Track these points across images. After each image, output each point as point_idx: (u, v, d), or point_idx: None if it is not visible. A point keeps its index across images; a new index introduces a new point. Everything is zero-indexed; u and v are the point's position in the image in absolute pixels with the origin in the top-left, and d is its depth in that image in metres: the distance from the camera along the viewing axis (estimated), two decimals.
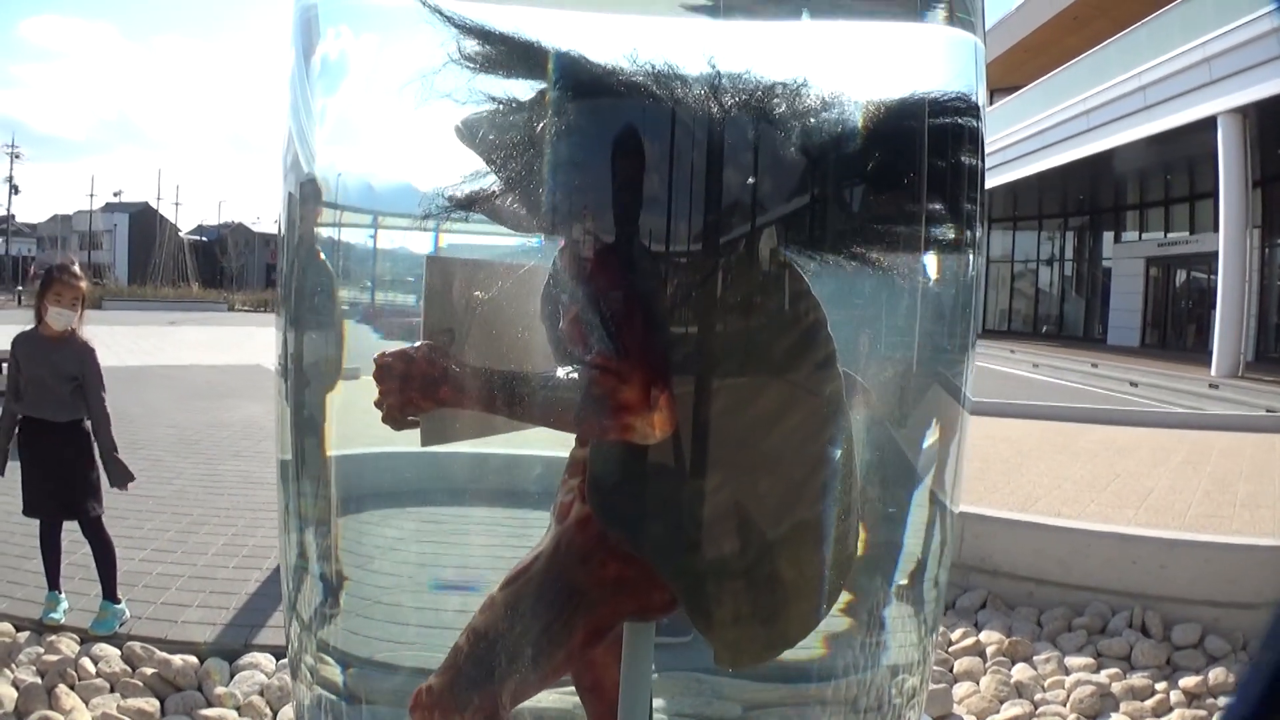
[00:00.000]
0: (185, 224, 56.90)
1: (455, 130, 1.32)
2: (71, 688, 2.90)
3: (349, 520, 1.56)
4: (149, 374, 11.92)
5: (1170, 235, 21.52)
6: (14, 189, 54.20)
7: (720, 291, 1.30)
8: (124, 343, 16.86)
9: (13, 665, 3.03)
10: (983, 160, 1.55)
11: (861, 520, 1.47)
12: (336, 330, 1.54)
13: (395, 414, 1.30)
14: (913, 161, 1.38)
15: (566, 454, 1.44)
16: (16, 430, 3.31)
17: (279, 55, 1.59)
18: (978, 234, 1.57)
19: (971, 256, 1.60)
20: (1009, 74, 24.52)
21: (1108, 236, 24.89)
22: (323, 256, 1.53)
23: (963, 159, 1.47)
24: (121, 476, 3.34)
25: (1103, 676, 3.33)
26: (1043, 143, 19.34)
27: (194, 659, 3.10)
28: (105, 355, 11.66)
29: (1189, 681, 3.30)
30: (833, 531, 1.40)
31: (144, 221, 57.66)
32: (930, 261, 1.50)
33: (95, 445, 3.35)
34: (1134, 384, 13.92)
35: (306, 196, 1.51)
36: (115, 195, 61.57)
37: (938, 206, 1.44)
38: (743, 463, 1.33)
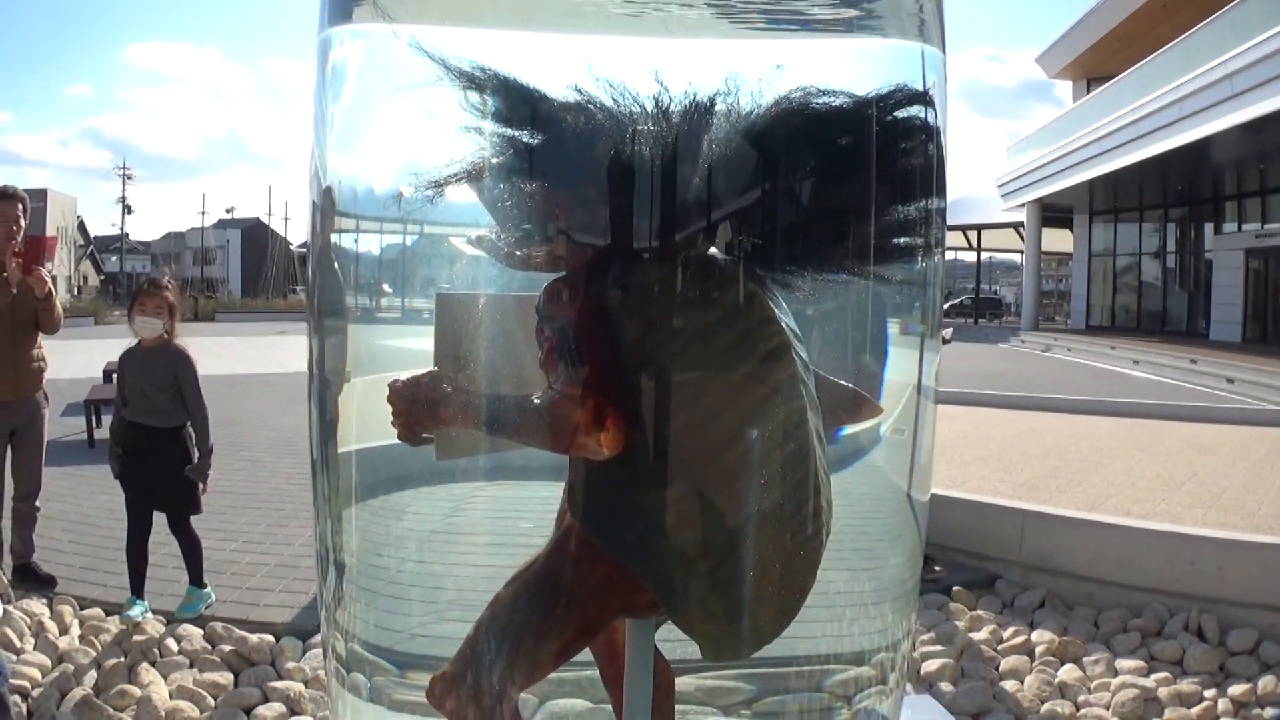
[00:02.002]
0: (296, 237, 59.65)
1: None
2: (153, 664, 3.18)
3: (355, 512, 1.73)
4: (255, 381, 12.59)
5: (1268, 226, 20.28)
6: (127, 209, 56.84)
7: (679, 316, 1.42)
8: (234, 352, 17.85)
9: (99, 646, 3.35)
10: (939, 161, 1.60)
11: (830, 512, 1.56)
12: (345, 334, 1.72)
13: (406, 432, 1.51)
14: (856, 165, 1.46)
15: None
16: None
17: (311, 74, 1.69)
18: (934, 233, 1.64)
19: (926, 254, 1.66)
20: (1104, 63, 23.46)
21: (1208, 228, 23.54)
22: (335, 263, 1.69)
23: (911, 160, 1.55)
24: (202, 472, 3.58)
25: (1150, 681, 3.27)
26: (1138, 132, 18.52)
27: (270, 637, 3.37)
28: (216, 365, 12.36)
29: (1238, 689, 3.21)
30: (800, 528, 1.50)
31: (256, 236, 60.59)
32: (885, 258, 1.57)
33: (194, 449, 3.62)
34: (1230, 380, 13.22)
35: (323, 204, 1.65)
36: (227, 212, 64.80)
37: (889, 206, 1.53)
38: (703, 471, 1.45)
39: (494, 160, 1.42)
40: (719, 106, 1.39)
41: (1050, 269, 40.56)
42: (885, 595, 1.78)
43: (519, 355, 1.56)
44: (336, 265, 1.69)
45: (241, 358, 16.79)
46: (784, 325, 1.48)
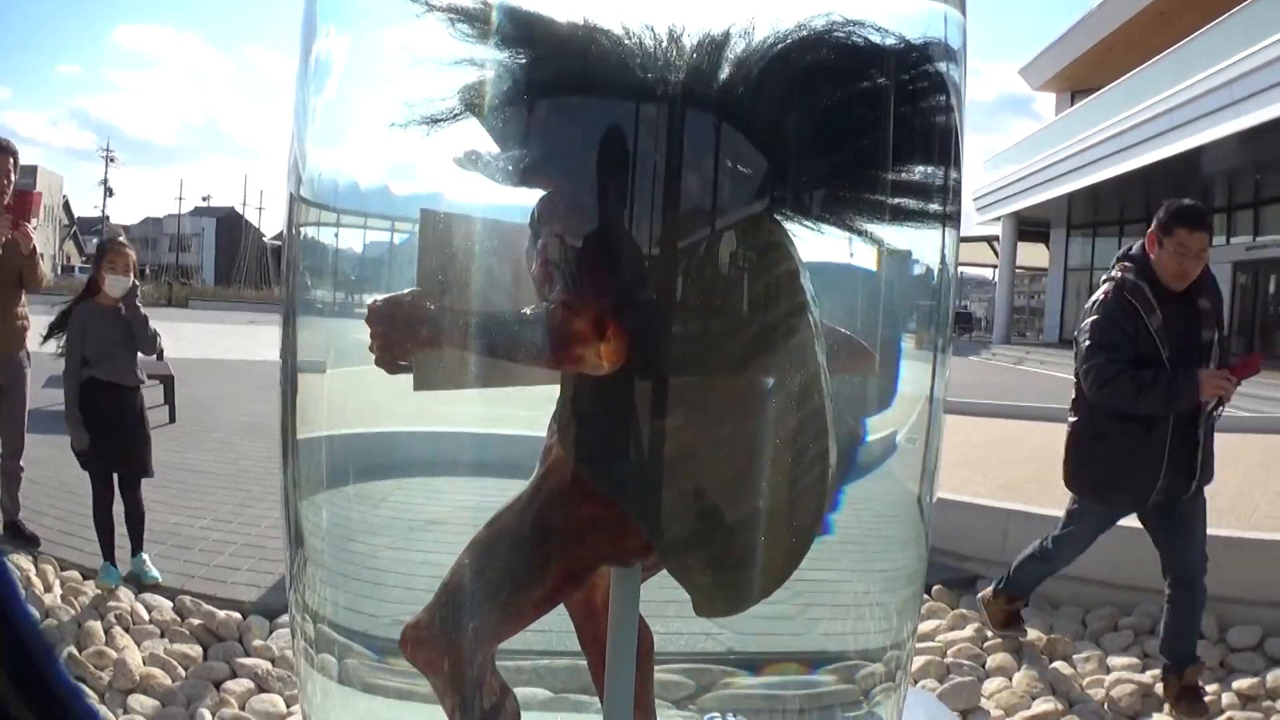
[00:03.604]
0: (270, 229, 59.22)
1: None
2: (127, 630, 3.18)
3: (328, 498, 1.66)
4: (226, 367, 12.47)
5: (1260, 238, 20.11)
6: (109, 191, 56.73)
7: (687, 237, 1.33)
8: (206, 339, 17.64)
9: (78, 606, 3.34)
10: (957, 133, 1.52)
11: (835, 456, 1.46)
12: (317, 324, 1.64)
13: (384, 354, 1.37)
14: (873, 117, 1.38)
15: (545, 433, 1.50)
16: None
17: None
18: (946, 242, 1.58)
19: (938, 249, 1.60)
20: (1090, 75, 23.25)
21: None
22: (313, 255, 1.62)
23: (929, 122, 1.47)
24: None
25: (1147, 676, 3.20)
26: (1123, 144, 18.48)
27: (237, 615, 3.33)
28: (188, 349, 12.26)
29: (1244, 683, 3.14)
30: (806, 470, 1.41)
31: (230, 226, 60.14)
32: (896, 243, 1.51)
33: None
34: None
35: (300, 195, 1.58)
36: (204, 200, 64.53)
37: (902, 177, 1.45)
38: (705, 406, 1.36)
39: (499, 82, 1.32)
40: (733, 35, 1.31)
41: (1022, 285, 40.86)
42: (894, 595, 1.72)
43: (505, 282, 1.46)
44: (314, 258, 1.61)
45: (214, 344, 16.64)
46: (791, 253, 1.39)
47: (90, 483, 3.59)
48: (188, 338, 16.59)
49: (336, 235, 1.64)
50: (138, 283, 3.61)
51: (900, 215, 1.50)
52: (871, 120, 1.42)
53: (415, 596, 1.69)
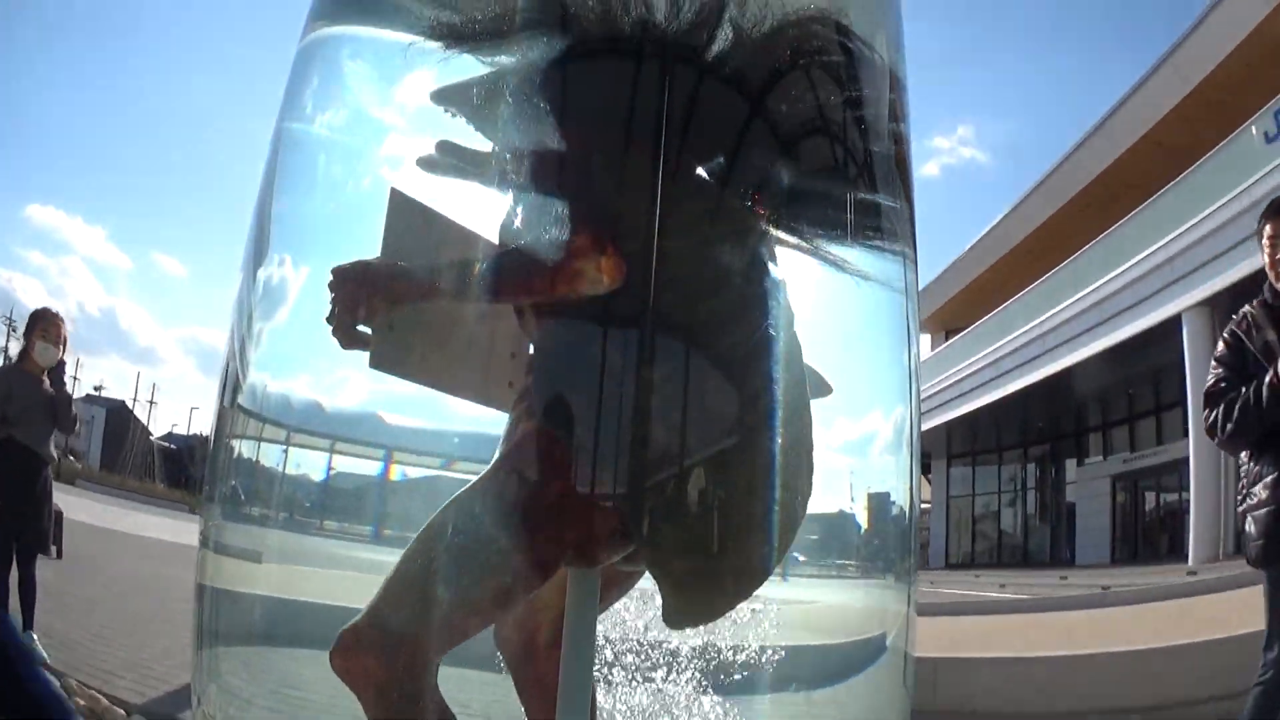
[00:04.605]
0: (158, 426, 56.95)
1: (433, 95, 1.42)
2: None
3: (259, 652, 1.61)
4: (110, 535, 12.71)
5: (1137, 450, 20.45)
6: (8, 359, 54.71)
7: (680, 187, 1.32)
8: (92, 511, 17.25)
9: None
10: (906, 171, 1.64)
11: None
12: (247, 530, 1.63)
13: (347, 318, 1.25)
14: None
15: None
16: None
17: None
18: (914, 479, 1.71)
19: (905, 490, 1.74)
20: (964, 314, 24.22)
21: (1070, 463, 24.28)
22: (246, 472, 1.62)
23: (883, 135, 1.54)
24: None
25: None
26: (997, 371, 19.21)
27: (122, 712, 3.01)
28: (74, 514, 11.50)
29: None
30: (789, 457, 1.34)
31: (120, 418, 58.25)
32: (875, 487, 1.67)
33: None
34: (1105, 588, 13.23)
35: (234, 411, 1.58)
36: (96, 389, 62.24)
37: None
38: (691, 363, 1.30)
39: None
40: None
41: None
42: None
43: (477, 265, 1.40)
44: (246, 476, 1.60)
45: (100, 516, 16.45)
46: (768, 237, 1.41)
47: None
48: (73, 507, 15.84)
49: (286, 452, 1.61)
50: (65, 360, 3.67)
51: (857, 232, 1.52)
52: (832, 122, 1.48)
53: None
